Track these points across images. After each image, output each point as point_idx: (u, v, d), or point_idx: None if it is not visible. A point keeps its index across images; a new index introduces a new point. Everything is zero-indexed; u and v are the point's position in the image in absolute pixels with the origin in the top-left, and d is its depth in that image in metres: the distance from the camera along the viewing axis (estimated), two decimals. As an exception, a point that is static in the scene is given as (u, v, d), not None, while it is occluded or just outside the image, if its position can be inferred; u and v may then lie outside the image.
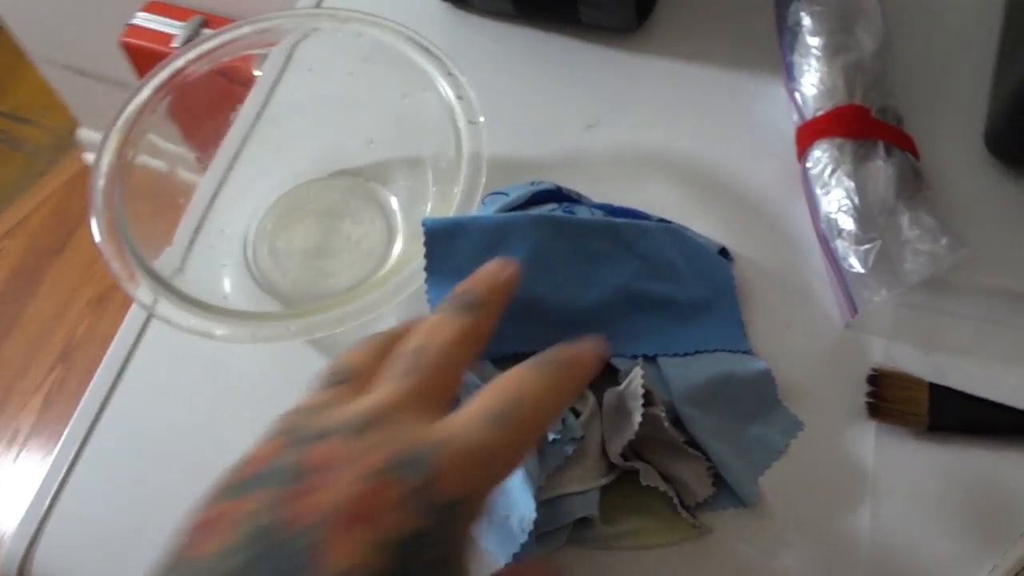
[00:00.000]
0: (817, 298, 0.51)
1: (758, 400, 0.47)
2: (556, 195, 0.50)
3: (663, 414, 0.41)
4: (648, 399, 0.41)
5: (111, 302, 1.70)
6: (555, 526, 0.41)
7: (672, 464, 0.43)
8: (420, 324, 0.30)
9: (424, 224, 0.42)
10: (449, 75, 0.48)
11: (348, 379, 0.29)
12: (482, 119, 0.46)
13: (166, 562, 0.24)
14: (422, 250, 0.42)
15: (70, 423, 0.50)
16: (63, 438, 0.50)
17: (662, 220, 0.51)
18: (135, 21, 1.26)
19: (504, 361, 0.41)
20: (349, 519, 0.23)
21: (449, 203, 0.44)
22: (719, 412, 0.45)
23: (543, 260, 0.44)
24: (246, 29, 0.52)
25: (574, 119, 0.58)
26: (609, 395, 0.43)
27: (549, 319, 0.44)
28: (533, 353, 0.30)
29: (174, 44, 1.22)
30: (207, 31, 1.24)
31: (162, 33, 1.24)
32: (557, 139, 0.57)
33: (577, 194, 0.52)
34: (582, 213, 0.49)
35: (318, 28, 0.52)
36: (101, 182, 0.47)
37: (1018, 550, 0.42)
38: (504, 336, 0.35)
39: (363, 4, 0.64)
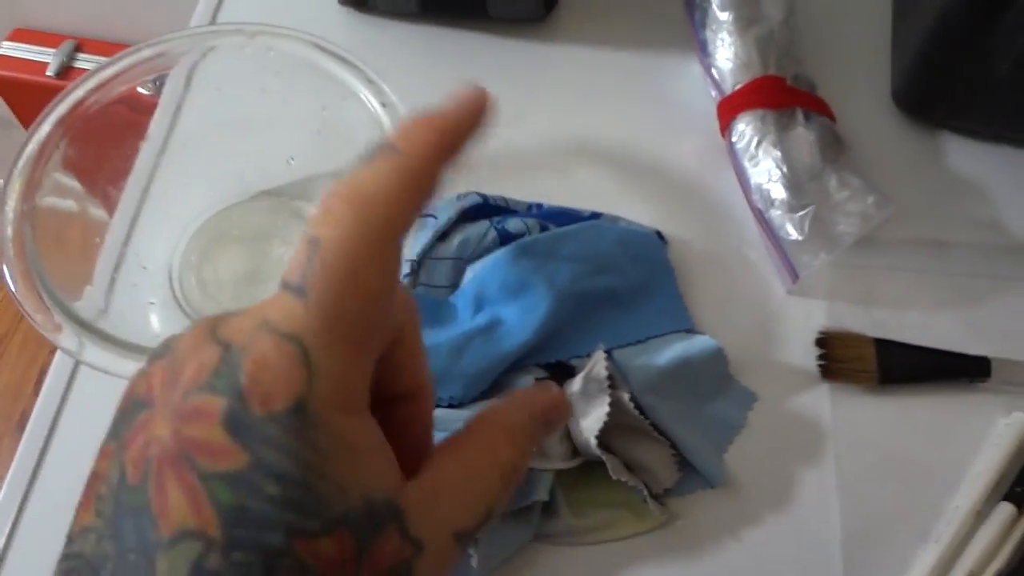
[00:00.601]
0: (756, 269, 0.52)
1: (712, 378, 0.47)
2: (484, 208, 0.50)
3: (627, 396, 0.41)
4: (612, 382, 0.41)
5: (7, 349, 1.61)
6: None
7: (636, 451, 0.43)
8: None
9: None
10: (370, 83, 0.46)
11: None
12: None
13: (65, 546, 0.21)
14: None
15: (2, 489, 0.47)
16: (-3, 504, 0.47)
17: (594, 214, 0.51)
18: (1, 51, 1.19)
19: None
20: (173, 460, 0.19)
21: None
22: (677, 396, 0.45)
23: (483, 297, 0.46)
24: (146, 52, 0.49)
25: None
26: (573, 383, 0.43)
27: (508, 360, 0.44)
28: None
29: (48, 72, 1.16)
30: (87, 56, 1.19)
31: (33, 61, 1.18)
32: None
33: (504, 200, 0.51)
34: (512, 224, 0.48)
35: (221, 45, 0.50)
36: (9, 229, 0.43)
37: (976, 487, 0.44)
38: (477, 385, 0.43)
39: (259, 15, 0.62)
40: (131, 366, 0.40)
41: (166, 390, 0.20)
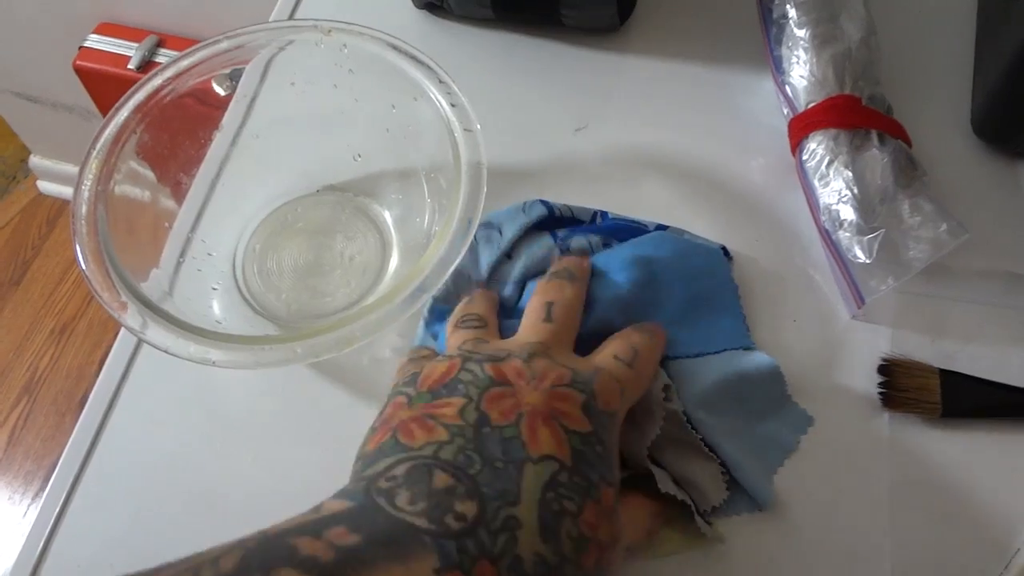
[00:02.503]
0: (820, 291, 0.51)
1: (767, 398, 0.46)
2: (549, 221, 0.50)
3: (682, 410, 0.40)
4: (667, 394, 0.40)
5: (74, 332, 1.66)
6: None
7: (686, 467, 0.42)
8: (539, 288, 0.41)
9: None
10: (440, 83, 0.47)
11: (481, 324, 0.39)
12: (478, 127, 0.45)
13: (371, 452, 0.31)
14: (425, 266, 0.41)
15: (60, 460, 0.48)
16: (54, 475, 0.48)
17: (660, 226, 0.51)
18: (88, 44, 1.23)
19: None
20: (546, 415, 0.31)
21: (449, 217, 0.42)
22: (729, 413, 0.44)
23: None
24: (223, 44, 0.51)
25: (563, 122, 0.57)
26: None
27: None
28: None
29: (130, 66, 1.19)
30: (168, 51, 1.22)
31: (117, 55, 1.21)
32: (547, 143, 0.56)
33: (569, 210, 0.51)
34: (576, 242, 0.48)
35: (297, 40, 0.51)
36: (83, 208, 0.45)
37: (1041, 532, 0.42)
38: None
39: (336, 14, 0.63)
40: (191, 347, 0.40)
41: (529, 381, 0.32)
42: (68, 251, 1.75)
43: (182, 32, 1.23)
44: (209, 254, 0.51)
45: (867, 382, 0.47)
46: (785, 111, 0.54)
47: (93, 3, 1.23)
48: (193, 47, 0.51)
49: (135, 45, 1.20)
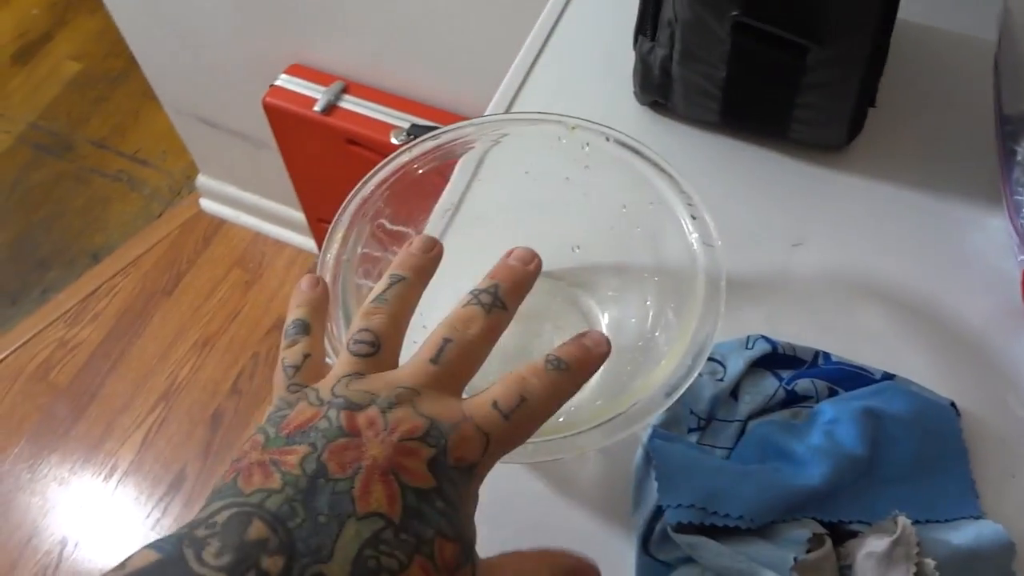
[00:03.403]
0: (1046, 449, 0.48)
1: (995, 572, 0.44)
2: (771, 358, 0.50)
3: (933, 563, 0.39)
4: (919, 550, 0.39)
5: (215, 347, 1.73)
6: None
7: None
8: (452, 314, 0.37)
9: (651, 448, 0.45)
10: (682, 192, 0.47)
11: (372, 351, 0.35)
12: (720, 243, 0.45)
13: (214, 491, 0.29)
14: (637, 393, 0.40)
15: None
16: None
17: (886, 375, 0.49)
18: (279, 83, 1.29)
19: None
20: (384, 470, 0.29)
21: (684, 331, 0.42)
22: None
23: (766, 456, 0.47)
24: (468, 129, 0.52)
25: (779, 236, 0.57)
26: (874, 543, 0.41)
27: (789, 501, 0.44)
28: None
29: (315, 108, 1.25)
30: (351, 97, 1.27)
31: (304, 96, 1.27)
32: (762, 255, 0.56)
33: (792, 348, 0.50)
34: (802, 386, 0.48)
35: (539, 133, 0.52)
36: (328, 275, 0.46)
37: None
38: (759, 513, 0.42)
39: (558, 104, 0.64)
40: None
41: (378, 433, 0.30)
42: (219, 268, 1.83)
43: (367, 81, 1.28)
44: (424, 327, 0.53)
45: (1097, 557, 0.45)
46: (1020, 256, 0.53)
47: (288, 45, 1.30)
48: (439, 130, 0.52)
49: (323, 89, 1.26)
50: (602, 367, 0.51)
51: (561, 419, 0.50)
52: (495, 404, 0.33)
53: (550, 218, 0.53)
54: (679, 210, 0.47)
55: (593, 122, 0.50)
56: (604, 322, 0.53)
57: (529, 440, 0.41)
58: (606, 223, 0.52)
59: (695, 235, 0.46)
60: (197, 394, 1.68)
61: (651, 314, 0.49)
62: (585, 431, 0.40)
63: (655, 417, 0.41)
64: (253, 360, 1.73)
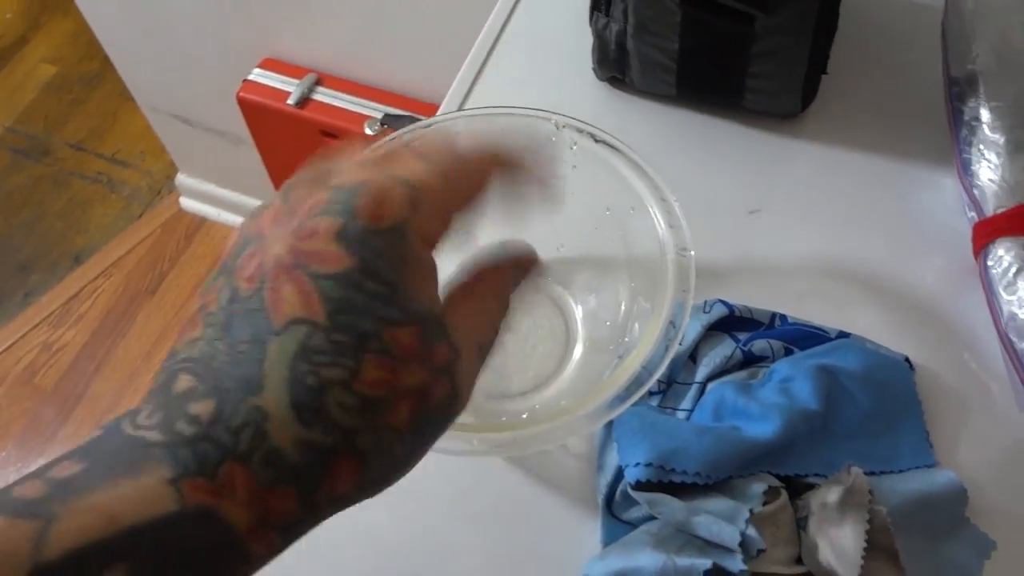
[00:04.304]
0: (997, 400, 0.50)
1: (949, 518, 0.45)
2: (728, 321, 0.51)
3: (884, 510, 0.40)
4: (871, 497, 0.40)
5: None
6: None
7: (872, 572, 0.41)
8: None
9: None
10: (662, 200, 0.46)
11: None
12: (693, 252, 0.45)
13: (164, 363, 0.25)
14: (618, 381, 0.41)
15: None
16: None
17: (841, 333, 0.51)
18: (251, 78, 1.30)
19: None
20: (289, 266, 0.24)
21: (650, 332, 0.42)
22: (912, 533, 0.43)
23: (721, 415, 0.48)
24: (460, 123, 0.51)
25: (737, 203, 0.58)
26: (827, 493, 0.42)
27: (745, 455, 0.45)
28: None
29: (289, 101, 1.26)
30: (325, 90, 1.27)
31: (278, 90, 1.28)
32: (720, 223, 0.57)
33: (748, 311, 0.52)
34: (758, 347, 0.49)
35: (530, 129, 0.51)
36: None
37: None
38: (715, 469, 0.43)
39: (519, 85, 0.65)
40: None
41: (278, 225, 0.25)
42: (202, 266, 1.83)
43: (340, 73, 1.28)
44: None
45: (1047, 500, 0.46)
46: (970, 213, 0.54)
47: (259, 39, 1.30)
48: (424, 121, 0.51)
49: (296, 82, 1.26)
50: (584, 361, 0.52)
51: (538, 406, 0.50)
52: (416, 156, 0.28)
53: (536, 215, 0.53)
54: (658, 217, 0.46)
55: (581, 121, 0.49)
56: (579, 319, 0.54)
57: (515, 431, 0.41)
58: (590, 224, 0.51)
59: (670, 244, 0.45)
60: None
61: (622, 313, 0.50)
62: (569, 419, 0.41)
63: (634, 400, 0.42)
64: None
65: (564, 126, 0.48)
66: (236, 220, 1.86)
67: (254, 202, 1.78)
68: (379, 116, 1.23)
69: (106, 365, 1.72)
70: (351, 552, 0.47)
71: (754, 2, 0.52)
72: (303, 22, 1.24)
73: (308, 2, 1.20)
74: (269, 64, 1.31)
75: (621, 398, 0.41)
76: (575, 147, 0.49)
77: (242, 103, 1.29)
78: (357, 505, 0.49)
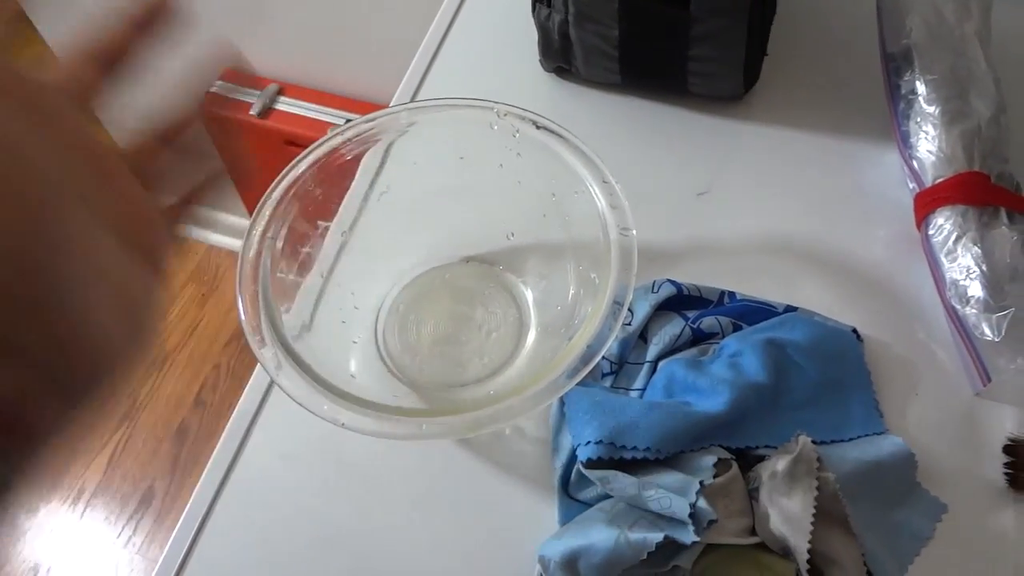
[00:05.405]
0: (943, 366, 0.51)
1: (900, 483, 0.46)
2: (678, 300, 0.52)
3: (833, 476, 0.41)
4: (819, 465, 0.41)
5: (176, 362, 1.72)
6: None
7: (827, 543, 0.42)
8: None
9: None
10: (604, 183, 0.47)
11: None
12: (634, 232, 0.45)
13: None
14: (565, 360, 0.42)
15: (194, 492, 0.50)
16: (187, 508, 0.50)
17: (789, 307, 0.51)
18: (213, 90, 1.29)
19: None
20: None
21: (595, 311, 0.43)
22: (864, 500, 0.44)
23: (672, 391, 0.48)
24: (403, 115, 0.51)
25: (685, 186, 0.59)
26: (777, 462, 0.43)
27: (695, 430, 0.45)
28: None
29: (251, 112, 1.26)
30: (287, 99, 1.27)
31: (240, 101, 1.28)
32: (670, 207, 0.58)
33: (697, 289, 0.52)
34: (707, 323, 0.50)
35: (470, 117, 0.51)
36: (251, 251, 0.46)
37: None
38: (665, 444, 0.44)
39: (466, 76, 0.66)
40: (332, 408, 0.41)
41: None
42: (174, 284, 1.82)
43: (302, 82, 1.29)
44: (355, 308, 0.54)
45: (992, 463, 0.47)
46: (911, 185, 0.55)
47: (219, 51, 1.30)
48: (375, 113, 0.51)
49: (257, 93, 1.27)
50: (537, 346, 0.52)
51: (492, 392, 0.51)
52: None
53: (485, 203, 0.53)
54: (599, 199, 0.47)
55: (522, 108, 0.50)
56: (531, 304, 0.54)
57: (463, 414, 0.42)
58: (538, 210, 0.52)
59: (613, 223, 0.46)
60: (160, 410, 1.68)
61: (571, 297, 0.51)
62: (517, 399, 0.41)
63: (580, 377, 0.42)
64: (215, 371, 1.72)
65: (506, 114, 0.49)
66: (206, 236, 1.85)
67: (224, 217, 1.77)
68: (342, 123, 1.23)
69: (82, 386, 1.71)
70: (302, 541, 0.47)
71: (685, -15, 0.52)
72: (263, 33, 1.24)
73: (266, 13, 1.20)
74: (230, 75, 1.31)
75: (568, 375, 0.42)
76: (518, 134, 0.49)
77: (204, 116, 1.29)
78: (306, 490, 0.49)
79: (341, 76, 1.25)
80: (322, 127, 1.23)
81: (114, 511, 1.57)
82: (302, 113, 1.26)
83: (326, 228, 0.53)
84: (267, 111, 1.26)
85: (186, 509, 0.50)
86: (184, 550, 0.48)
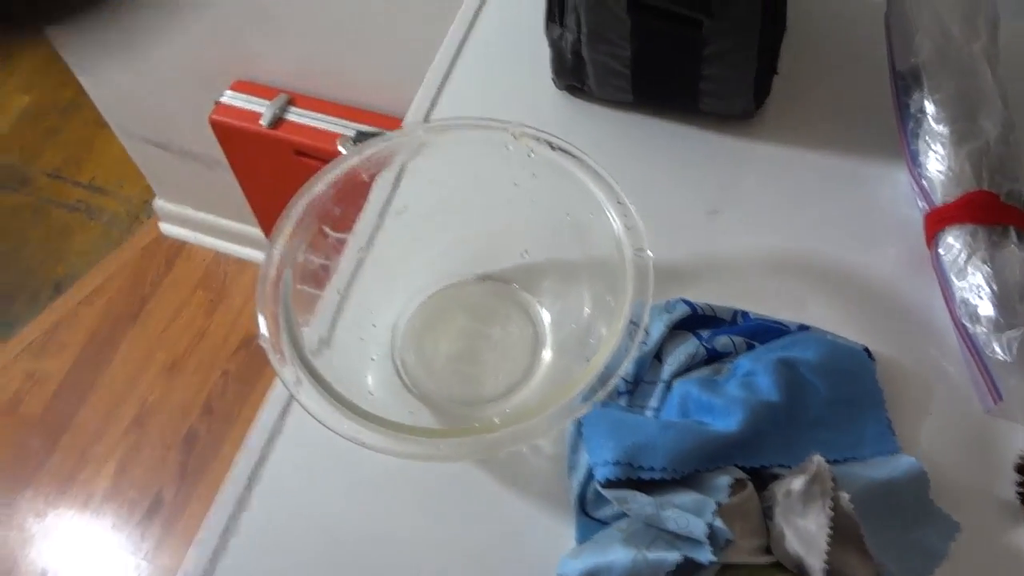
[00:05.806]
0: (955, 384, 0.51)
1: (914, 502, 0.47)
2: (691, 319, 0.52)
3: (847, 496, 0.41)
4: (835, 485, 0.41)
5: (183, 369, 1.73)
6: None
7: (841, 562, 0.42)
8: None
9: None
10: (619, 204, 0.48)
11: None
12: (650, 253, 0.46)
13: None
14: (583, 381, 0.42)
15: (211, 509, 0.51)
16: (206, 525, 0.50)
17: (802, 326, 0.52)
18: (223, 100, 1.30)
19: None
20: None
21: (612, 332, 0.44)
22: (880, 519, 0.45)
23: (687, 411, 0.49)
24: (419, 133, 0.52)
25: (696, 205, 0.59)
26: (792, 482, 0.43)
27: (710, 449, 0.46)
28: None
29: (261, 122, 1.26)
30: (298, 109, 1.28)
31: (250, 111, 1.28)
32: (681, 225, 0.58)
33: (711, 309, 0.53)
34: (721, 343, 0.51)
35: (486, 139, 0.52)
36: (272, 270, 0.47)
37: None
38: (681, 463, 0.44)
39: (480, 95, 0.66)
40: (352, 427, 0.42)
41: None
42: (183, 291, 1.83)
43: (312, 92, 1.29)
44: (373, 325, 0.54)
45: (1004, 481, 0.47)
46: (921, 204, 0.55)
47: (230, 62, 1.31)
48: (391, 132, 0.52)
49: (267, 103, 1.27)
50: (553, 365, 0.53)
51: (509, 411, 0.51)
52: None
53: (500, 222, 0.54)
54: (615, 220, 0.48)
55: (537, 129, 0.50)
56: (547, 324, 0.55)
57: (481, 435, 0.42)
58: (552, 229, 0.53)
59: (628, 244, 0.47)
60: (169, 417, 1.68)
61: (586, 316, 0.51)
62: (535, 420, 0.42)
63: (600, 397, 0.43)
64: (223, 378, 1.73)
65: (521, 135, 0.50)
66: (215, 243, 1.86)
67: (233, 224, 1.78)
68: (351, 134, 1.24)
69: (90, 393, 1.72)
70: (321, 559, 0.48)
71: (697, 6, 0.53)
72: (273, 43, 1.25)
73: (277, 23, 1.21)
74: (240, 86, 1.32)
75: (585, 396, 0.42)
76: (532, 155, 0.50)
77: (215, 126, 1.30)
78: (324, 508, 0.50)
79: (352, 87, 1.26)
80: (332, 138, 1.24)
81: (122, 517, 1.58)
82: (312, 124, 1.27)
83: (344, 245, 0.53)
84: (277, 121, 1.27)
85: (203, 525, 0.50)
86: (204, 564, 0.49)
